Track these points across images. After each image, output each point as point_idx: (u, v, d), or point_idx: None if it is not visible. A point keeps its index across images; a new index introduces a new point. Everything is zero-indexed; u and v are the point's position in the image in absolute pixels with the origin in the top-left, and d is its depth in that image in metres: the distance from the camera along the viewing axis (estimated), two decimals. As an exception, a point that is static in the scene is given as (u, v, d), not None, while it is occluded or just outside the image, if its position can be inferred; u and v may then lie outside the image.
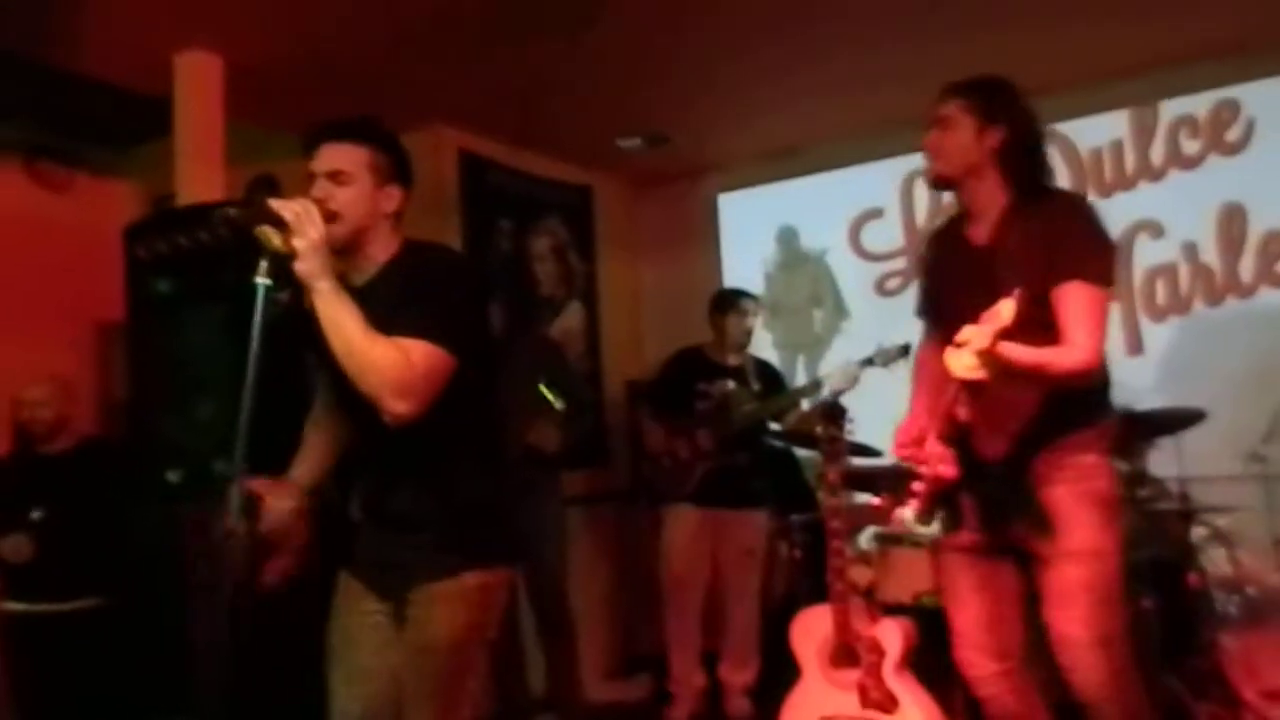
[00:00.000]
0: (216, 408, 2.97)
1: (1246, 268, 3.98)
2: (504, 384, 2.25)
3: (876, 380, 3.43)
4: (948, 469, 1.97)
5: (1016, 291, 1.69)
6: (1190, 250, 4.08)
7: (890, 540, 3.30)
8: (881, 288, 4.75)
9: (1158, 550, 3.21)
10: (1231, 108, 4.02)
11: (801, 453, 4.28)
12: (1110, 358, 2.06)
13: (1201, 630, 3.21)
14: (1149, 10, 3.55)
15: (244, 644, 1.68)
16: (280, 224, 1.74)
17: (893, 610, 3.00)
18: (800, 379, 4.75)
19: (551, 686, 3.81)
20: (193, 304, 3.13)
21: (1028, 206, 2.07)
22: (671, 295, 5.22)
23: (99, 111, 3.89)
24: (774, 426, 4.01)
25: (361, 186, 1.88)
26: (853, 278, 4.86)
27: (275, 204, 1.76)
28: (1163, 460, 3.45)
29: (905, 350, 3.39)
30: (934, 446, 1.95)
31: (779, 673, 3.20)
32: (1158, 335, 4.13)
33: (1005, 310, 1.68)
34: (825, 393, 3.53)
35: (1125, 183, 4.23)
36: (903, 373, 2.83)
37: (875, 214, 4.79)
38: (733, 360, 4.07)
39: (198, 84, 3.53)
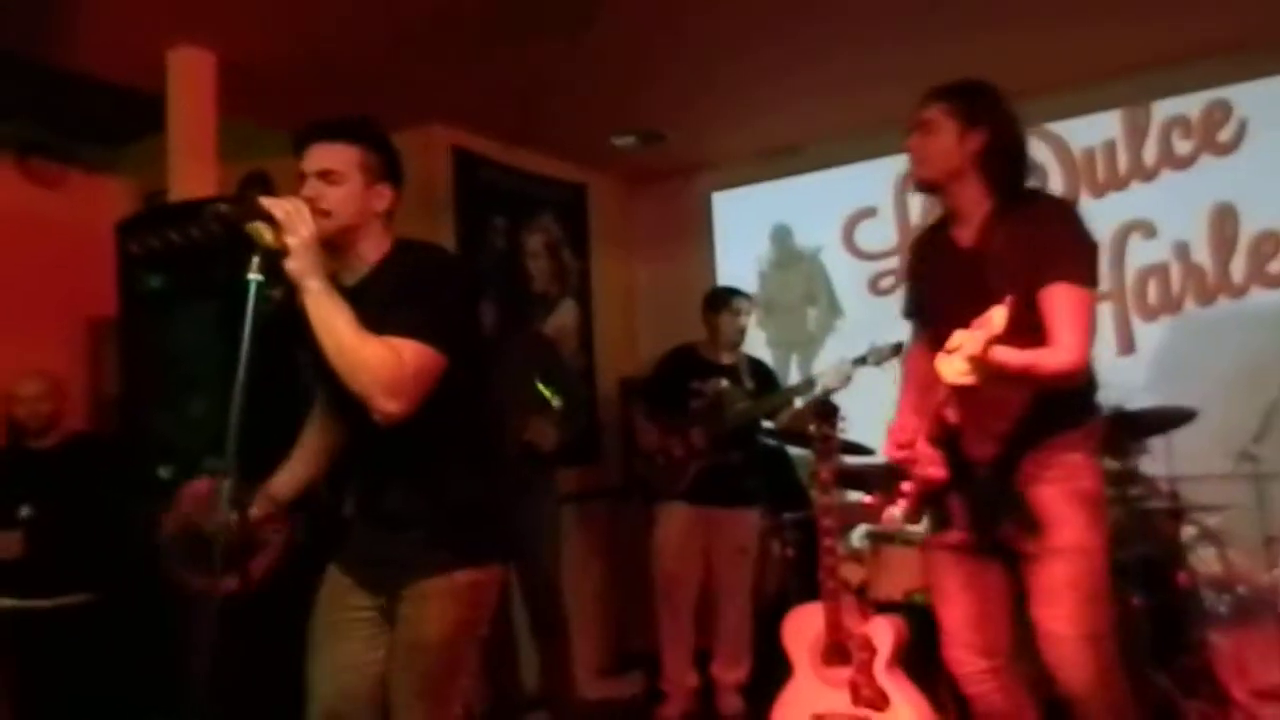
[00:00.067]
0: (208, 404, 2.97)
1: (1238, 268, 3.99)
2: (499, 381, 2.26)
3: (869, 379, 3.44)
4: (937, 470, 1.99)
5: (1009, 299, 1.70)
6: (1182, 250, 4.09)
7: (882, 538, 3.32)
8: (875, 287, 4.76)
9: (1148, 549, 3.22)
10: (1224, 108, 4.03)
11: (794, 451, 4.29)
12: (1101, 357, 2.08)
13: (1191, 629, 3.22)
14: (1142, 11, 3.56)
15: (232, 641, 1.68)
16: (271, 222, 1.75)
17: (884, 608, 3.01)
18: (793, 377, 4.76)
19: (545, 684, 3.82)
20: (185, 300, 3.13)
21: (1012, 210, 2.08)
22: (665, 293, 5.23)
23: (91, 108, 3.90)
24: (767, 425, 4.01)
25: (352, 186, 1.88)
26: (846, 276, 4.87)
27: (266, 202, 1.77)
28: (1154, 459, 3.46)
29: (898, 349, 3.39)
30: (923, 448, 1.97)
31: (771, 670, 3.21)
32: (1149, 335, 4.14)
33: (998, 318, 1.69)
34: (818, 391, 3.55)
35: (1118, 182, 4.24)
36: (895, 372, 2.84)
37: (869, 213, 4.79)
38: (726, 358, 4.08)
39: (190, 80, 3.52)
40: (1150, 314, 4.16)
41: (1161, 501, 3.41)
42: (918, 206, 4.63)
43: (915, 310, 2.36)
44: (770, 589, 4.14)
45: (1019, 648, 2.19)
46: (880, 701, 2.77)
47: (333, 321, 1.75)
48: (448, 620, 1.87)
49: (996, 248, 2.05)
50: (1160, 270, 4.14)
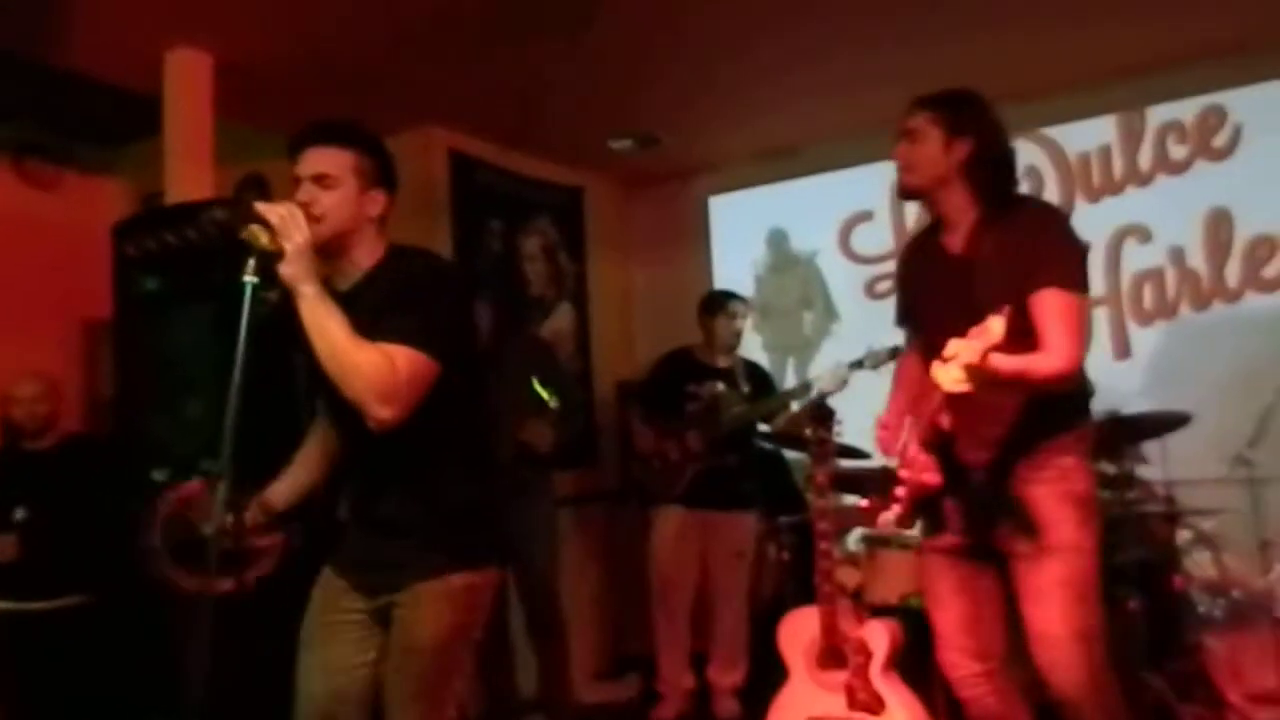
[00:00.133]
0: (204, 407, 2.96)
1: (1233, 273, 4.00)
2: (495, 384, 2.26)
3: (865, 383, 3.43)
4: (931, 476, 1.99)
5: (1006, 309, 1.71)
6: (1177, 255, 4.10)
7: (878, 542, 3.32)
8: (871, 290, 4.76)
9: (1143, 553, 3.23)
10: (1219, 113, 4.04)
11: (790, 455, 4.29)
12: (1095, 362, 2.09)
13: (1186, 633, 3.22)
14: (1138, 15, 3.58)
15: (228, 642, 1.68)
16: (266, 226, 1.75)
17: (880, 611, 3.01)
18: (790, 381, 4.76)
19: (542, 687, 3.82)
20: (180, 302, 3.12)
21: (999, 217, 2.10)
22: (662, 296, 5.23)
23: (88, 109, 3.89)
24: (763, 428, 4.01)
25: (346, 190, 1.88)
26: (842, 280, 4.87)
27: (261, 207, 1.77)
28: (1149, 463, 3.47)
29: (894, 353, 3.38)
30: (917, 454, 1.97)
31: (767, 674, 3.21)
32: (1145, 339, 4.15)
33: (995, 327, 1.70)
34: (814, 395, 3.55)
35: (1113, 187, 4.25)
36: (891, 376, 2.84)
37: (865, 217, 4.80)
38: (722, 362, 4.08)
39: (187, 82, 3.52)
40: (1145, 319, 4.16)
41: (1157, 505, 3.42)
42: (913, 211, 4.62)
43: (906, 317, 2.38)
44: (766, 592, 4.15)
45: (1012, 653, 2.20)
46: (876, 705, 2.77)
47: (326, 327, 1.75)
48: (443, 623, 1.88)
49: (985, 255, 2.07)
50: (1155, 275, 4.15)
